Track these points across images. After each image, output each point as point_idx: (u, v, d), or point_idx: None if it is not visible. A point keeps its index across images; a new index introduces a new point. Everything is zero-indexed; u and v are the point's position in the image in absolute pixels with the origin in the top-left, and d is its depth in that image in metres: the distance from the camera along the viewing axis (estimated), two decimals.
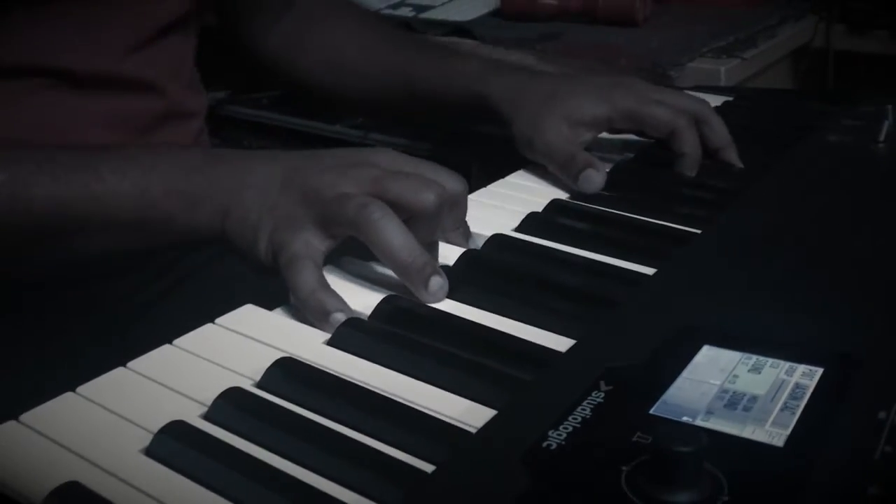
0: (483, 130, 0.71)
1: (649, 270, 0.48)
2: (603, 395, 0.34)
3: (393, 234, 0.44)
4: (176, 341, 0.42)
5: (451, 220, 0.50)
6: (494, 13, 1.24)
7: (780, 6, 1.27)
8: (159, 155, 0.49)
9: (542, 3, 1.20)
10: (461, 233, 0.52)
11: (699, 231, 0.52)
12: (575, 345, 0.39)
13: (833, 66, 1.28)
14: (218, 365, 0.40)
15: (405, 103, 0.73)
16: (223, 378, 0.39)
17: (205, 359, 0.40)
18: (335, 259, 0.48)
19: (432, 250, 0.48)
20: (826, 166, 0.65)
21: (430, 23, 1.21)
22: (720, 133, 0.65)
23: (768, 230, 0.52)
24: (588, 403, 0.33)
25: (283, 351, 0.41)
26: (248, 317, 0.44)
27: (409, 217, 0.46)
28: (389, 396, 0.37)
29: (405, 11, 1.27)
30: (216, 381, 0.38)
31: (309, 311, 0.43)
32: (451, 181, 0.48)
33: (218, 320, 0.44)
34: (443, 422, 0.35)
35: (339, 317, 0.42)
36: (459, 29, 1.17)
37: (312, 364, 0.40)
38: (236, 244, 0.47)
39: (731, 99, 0.87)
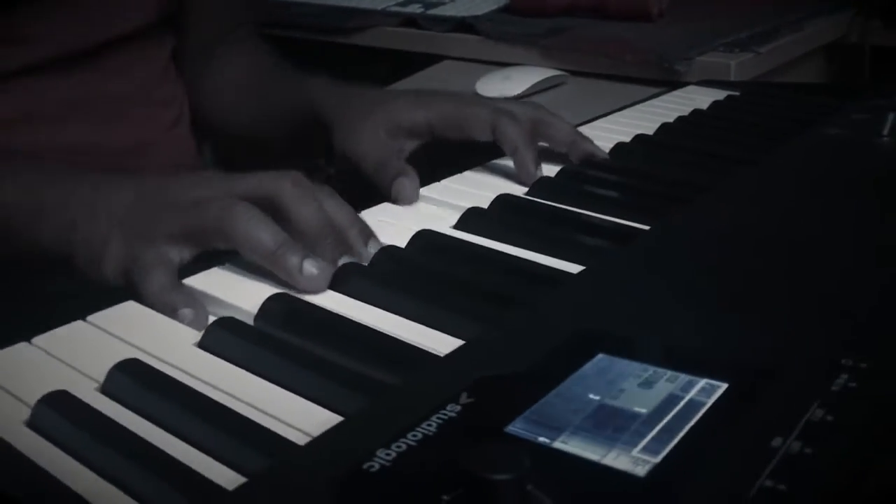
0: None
1: (579, 269, 0.43)
2: (459, 408, 0.29)
3: (255, 226, 0.41)
4: (35, 339, 0.38)
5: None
6: (504, 8, 1.19)
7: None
8: (14, 163, 0.48)
9: None
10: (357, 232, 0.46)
11: (647, 227, 0.47)
12: (458, 348, 0.34)
13: (869, 64, 1.20)
14: (70, 366, 0.36)
15: (274, 128, 0.71)
16: (70, 381, 0.35)
17: (58, 359, 0.37)
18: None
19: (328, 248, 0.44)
20: (819, 161, 0.58)
21: (434, 19, 1.17)
22: (563, 129, 0.61)
23: (727, 229, 0.46)
24: (438, 418, 0.28)
25: (147, 352, 0.37)
26: (125, 314, 0.40)
27: (280, 213, 0.42)
28: (225, 403, 0.32)
29: (414, 8, 1.23)
30: (61, 384, 0.34)
31: (158, 311, 0.40)
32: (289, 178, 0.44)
33: (90, 317, 0.40)
34: (272, 432, 0.30)
35: (187, 313, 0.39)
36: (463, 24, 1.13)
37: (173, 366, 0.36)
38: (82, 260, 0.44)
39: (735, 94, 0.81)
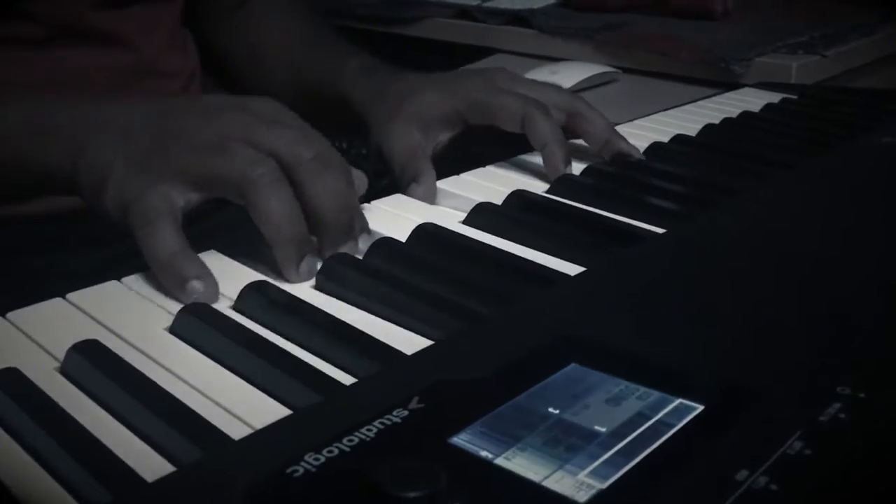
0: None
1: (578, 270, 0.40)
2: (406, 414, 0.27)
3: (278, 199, 0.38)
4: (10, 314, 0.37)
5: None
6: (563, 3, 1.16)
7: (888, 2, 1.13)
8: (22, 91, 0.46)
9: None
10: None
11: (663, 231, 0.44)
12: (424, 349, 0.32)
13: None
14: (37, 343, 0.35)
15: (307, 102, 0.68)
16: (33, 359, 0.34)
17: (28, 335, 0.36)
18: (227, 231, 0.43)
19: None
20: (863, 170, 0.54)
21: (490, 11, 1.14)
22: (598, 124, 0.57)
23: (745, 238, 0.43)
24: (380, 423, 0.26)
25: (117, 334, 0.36)
26: (105, 294, 0.39)
27: (295, 182, 0.40)
28: (177, 391, 0.31)
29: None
30: (23, 361, 0.33)
31: (165, 279, 0.38)
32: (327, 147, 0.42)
33: (70, 295, 0.39)
34: (212, 424, 0.29)
35: (197, 285, 0.37)
36: (517, 17, 1.10)
37: (138, 350, 0.34)
38: (84, 189, 0.41)
39: (792, 97, 0.77)
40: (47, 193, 0.45)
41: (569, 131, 0.59)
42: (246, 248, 0.42)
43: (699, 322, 0.33)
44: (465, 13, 1.15)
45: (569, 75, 0.90)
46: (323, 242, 0.42)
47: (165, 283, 0.38)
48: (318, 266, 0.40)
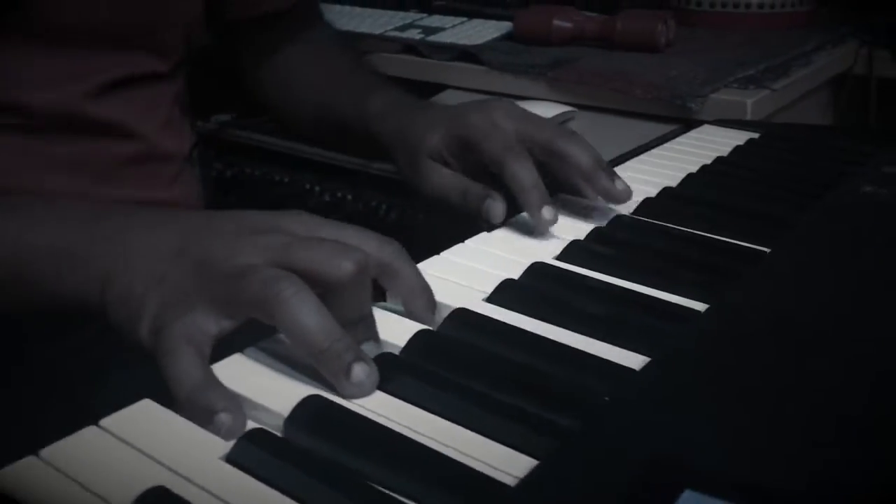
0: None
1: (636, 362, 0.39)
2: None
3: (306, 313, 0.36)
4: (43, 452, 0.34)
5: (397, 290, 0.43)
6: (507, 37, 1.16)
7: (816, 30, 1.17)
8: (39, 205, 0.44)
9: (556, 26, 1.12)
10: (421, 304, 0.43)
11: (704, 307, 0.44)
12: (523, 481, 0.31)
13: (876, 96, 1.18)
14: (81, 486, 0.32)
15: (338, 137, 0.73)
16: None
17: (69, 477, 0.33)
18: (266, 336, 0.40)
19: (367, 330, 0.40)
20: (856, 227, 0.55)
21: (436, 46, 1.13)
22: (580, 159, 0.55)
23: (784, 312, 0.43)
24: None
25: (166, 467, 0.33)
26: (142, 417, 0.36)
27: (326, 292, 0.38)
28: None
29: (413, 34, 1.19)
30: None
31: (191, 413, 0.35)
32: (377, 245, 0.41)
33: (104, 421, 0.36)
34: None
35: (224, 418, 0.34)
36: (466, 54, 1.09)
37: (200, 488, 0.32)
38: (117, 320, 0.39)
39: (756, 136, 0.79)
40: (62, 312, 0.42)
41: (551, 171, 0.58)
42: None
43: (793, 424, 0.33)
44: (410, 48, 1.14)
45: None
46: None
47: (191, 417, 0.36)
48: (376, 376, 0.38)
